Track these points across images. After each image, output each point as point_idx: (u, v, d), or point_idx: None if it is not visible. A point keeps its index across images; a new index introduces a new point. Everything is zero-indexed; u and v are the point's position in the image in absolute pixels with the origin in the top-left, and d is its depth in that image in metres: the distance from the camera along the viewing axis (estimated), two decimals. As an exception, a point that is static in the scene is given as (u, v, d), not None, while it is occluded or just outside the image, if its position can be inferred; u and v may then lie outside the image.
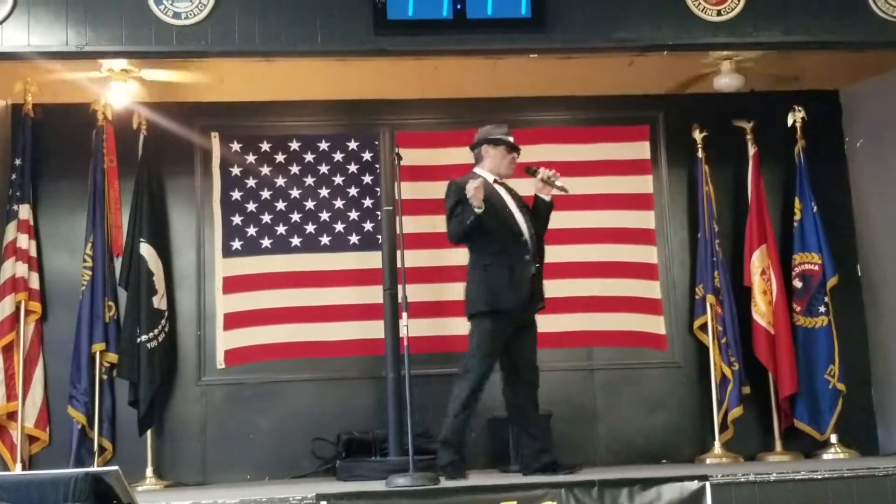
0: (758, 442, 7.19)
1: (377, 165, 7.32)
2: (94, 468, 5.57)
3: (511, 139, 5.99)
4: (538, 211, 5.92)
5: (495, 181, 5.93)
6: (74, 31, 5.96)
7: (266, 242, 7.30)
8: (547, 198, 5.90)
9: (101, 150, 6.93)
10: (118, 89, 6.83)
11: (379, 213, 7.18)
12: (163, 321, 6.86)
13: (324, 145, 7.48)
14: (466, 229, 5.67)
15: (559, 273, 7.27)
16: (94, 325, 6.72)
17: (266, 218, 7.33)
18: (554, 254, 6.91)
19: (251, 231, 7.30)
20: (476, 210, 5.59)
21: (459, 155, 7.44)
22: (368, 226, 7.37)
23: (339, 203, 7.41)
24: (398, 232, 5.97)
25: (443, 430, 5.74)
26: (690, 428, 7.26)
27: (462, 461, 5.70)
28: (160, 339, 6.80)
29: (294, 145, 7.46)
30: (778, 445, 7.05)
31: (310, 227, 7.35)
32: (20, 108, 6.97)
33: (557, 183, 5.86)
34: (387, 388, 6.67)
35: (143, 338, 6.70)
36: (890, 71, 7.25)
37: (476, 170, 6.01)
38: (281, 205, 7.35)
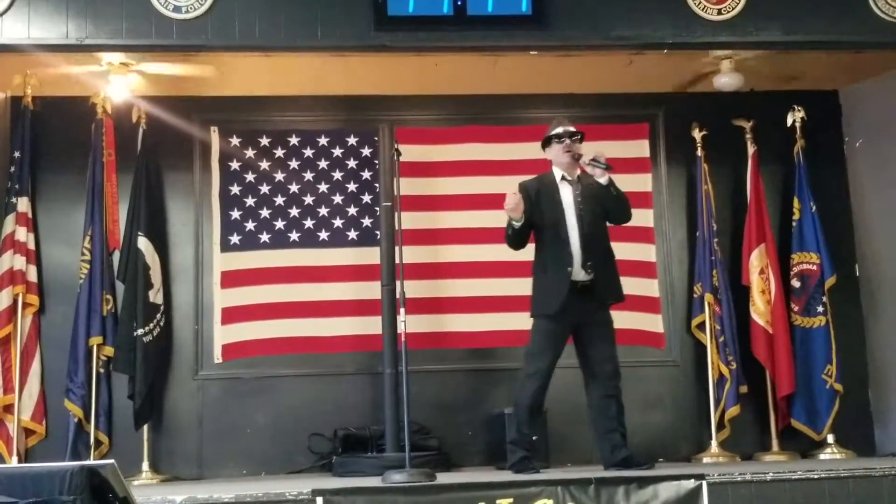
0: (755, 441, 7.19)
1: (376, 161, 7.32)
2: (91, 461, 5.56)
3: (557, 130, 5.95)
4: (600, 198, 5.87)
5: (563, 178, 5.95)
6: (74, 24, 5.95)
7: (264, 237, 7.29)
8: (602, 180, 5.80)
9: (100, 144, 6.92)
10: (118, 83, 6.83)
11: (378, 208, 7.19)
12: (158, 315, 6.86)
13: (323, 140, 7.47)
14: (507, 240, 5.93)
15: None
16: (92, 319, 6.72)
17: (265, 213, 7.32)
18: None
19: (250, 226, 7.30)
20: (514, 224, 5.78)
21: (459, 151, 7.48)
22: (367, 221, 7.36)
23: (337, 198, 7.40)
24: (397, 228, 5.97)
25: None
26: (687, 427, 7.26)
27: (530, 458, 5.71)
28: (155, 333, 6.80)
29: (293, 140, 7.45)
30: (775, 445, 7.05)
31: (308, 223, 7.34)
32: (19, 100, 6.97)
33: (598, 165, 5.76)
34: (384, 384, 6.67)
35: (140, 332, 6.69)
36: (889, 71, 7.26)
37: (553, 168, 6.04)
38: (280, 200, 7.35)
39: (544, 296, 5.85)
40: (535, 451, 5.87)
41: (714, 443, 6.94)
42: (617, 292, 5.94)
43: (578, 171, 5.96)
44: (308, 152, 7.45)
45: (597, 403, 5.83)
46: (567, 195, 5.91)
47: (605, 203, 5.86)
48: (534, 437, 5.86)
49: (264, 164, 7.38)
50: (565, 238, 5.81)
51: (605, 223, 5.96)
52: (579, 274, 5.77)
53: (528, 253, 7.10)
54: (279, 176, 7.38)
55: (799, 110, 7.24)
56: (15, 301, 6.71)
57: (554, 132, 5.96)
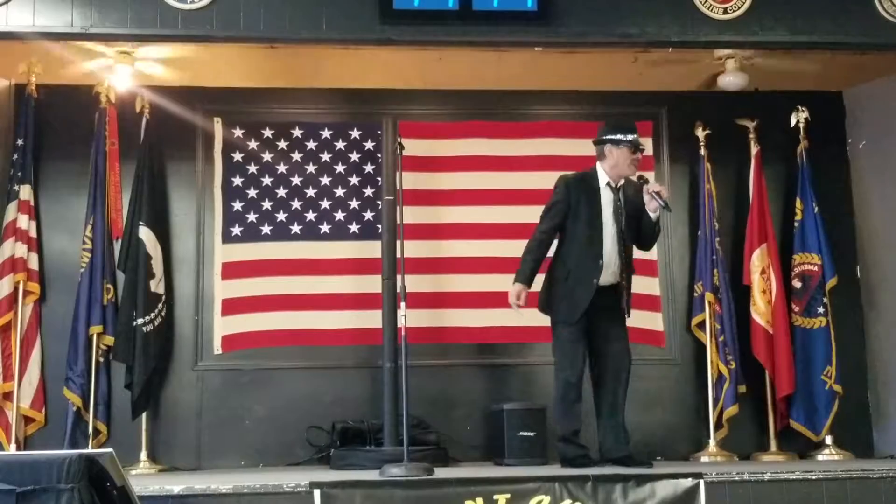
0: (753, 441, 7.19)
1: (379, 155, 7.32)
2: (89, 450, 5.57)
3: (629, 137, 5.89)
4: (644, 226, 5.90)
5: (608, 184, 5.93)
6: (79, 13, 5.94)
7: (266, 229, 7.29)
8: (653, 216, 5.81)
9: (104, 133, 6.93)
10: (122, 72, 6.83)
11: (380, 202, 7.18)
12: (160, 305, 6.86)
13: (326, 133, 7.47)
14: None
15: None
16: (93, 308, 6.72)
17: (266, 205, 7.32)
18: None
19: (251, 217, 7.30)
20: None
21: (462, 146, 7.48)
22: (369, 215, 7.36)
23: (339, 192, 7.40)
24: (398, 222, 5.97)
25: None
26: (686, 425, 7.26)
27: (579, 456, 5.75)
28: (156, 322, 6.80)
29: (296, 132, 7.45)
30: (773, 445, 7.05)
31: (310, 215, 7.34)
32: (24, 88, 6.96)
33: (660, 201, 5.75)
34: (383, 378, 6.66)
35: (140, 321, 6.69)
36: (894, 73, 7.24)
37: (597, 165, 6.00)
38: (282, 192, 7.34)
39: (567, 303, 5.87)
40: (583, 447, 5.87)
41: (712, 442, 6.93)
42: (627, 307, 5.96)
43: (623, 181, 5.94)
44: (311, 145, 7.44)
45: (596, 394, 5.92)
46: (608, 203, 5.91)
47: (642, 226, 5.89)
48: (575, 430, 5.84)
49: (267, 156, 7.38)
50: (598, 247, 5.83)
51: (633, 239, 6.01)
52: (608, 280, 5.84)
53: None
54: (281, 168, 7.38)
55: (803, 111, 7.23)
56: (16, 289, 6.70)
57: (625, 137, 5.88)
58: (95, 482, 3.80)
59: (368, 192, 7.40)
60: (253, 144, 7.39)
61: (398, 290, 5.78)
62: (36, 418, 6.75)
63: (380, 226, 7.10)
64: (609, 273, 5.84)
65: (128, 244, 6.85)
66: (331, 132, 7.48)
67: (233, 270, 7.22)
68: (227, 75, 7.14)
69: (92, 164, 6.88)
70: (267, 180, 7.36)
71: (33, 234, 6.87)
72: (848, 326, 7.32)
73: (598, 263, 5.81)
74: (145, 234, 6.83)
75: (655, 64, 6.98)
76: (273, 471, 6.58)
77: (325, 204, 7.37)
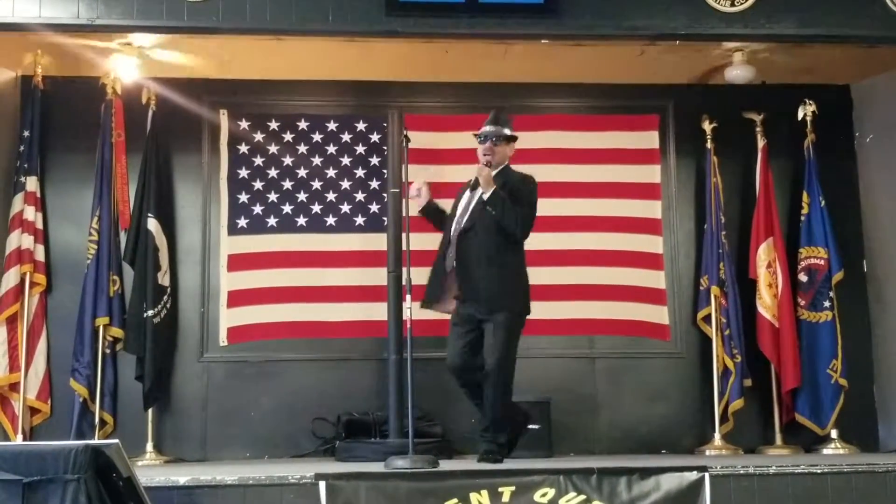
0: (758, 435, 7.20)
1: (385, 147, 7.32)
2: (95, 441, 5.58)
3: (482, 130, 6.11)
4: None
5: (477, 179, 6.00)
6: (86, 4, 5.94)
7: (272, 221, 7.30)
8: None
9: (110, 125, 6.93)
10: (128, 63, 6.83)
11: (385, 195, 7.19)
12: (166, 297, 6.88)
13: (332, 126, 7.47)
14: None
15: (564, 260, 7.29)
16: (99, 299, 6.73)
17: (272, 197, 7.33)
18: (559, 241, 6.90)
19: (257, 209, 7.30)
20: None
21: (468, 139, 7.42)
22: (374, 207, 7.36)
23: (345, 184, 7.40)
24: (404, 214, 5.97)
25: None
26: (691, 419, 7.26)
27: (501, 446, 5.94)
28: (163, 314, 6.82)
29: (302, 125, 7.45)
30: (778, 439, 7.06)
31: (316, 208, 7.34)
32: (30, 79, 6.97)
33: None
34: (388, 371, 6.68)
35: (149, 313, 6.71)
36: (902, 67, 7.24)
37: None
38: (287, 184, 7.35)
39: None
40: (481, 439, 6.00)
41: (717, 435, 6.94)
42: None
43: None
44: (317, 137, 7.45)
45: None
46: (465, 197, 6.18)
47: None
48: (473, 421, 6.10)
49: (273, 148, 7.39)
50: (448, 238, 6.13)
51: None
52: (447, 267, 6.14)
53: (533, 242, 7.11)
54: (287, 160, 7.38)
55: (810, 104, 7.22)
56: (22, 280, 6.72)
57: (478, 132, 6.17)
58: (101, 473, 3.81)
59: (374, 184, 7.40)
60: (259, 136, 7.39)
61: (404, 282, 5.78)
62: (42, 409, 6.77)
63: (385, 218, 7.11)
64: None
65: (135, 236, 6.86)
66: (337, 124, 7.48)
67: (238, 262, 7.23)
68: (233, 67, 7.14)
69: (98, 155, 6.89)
70: (273, 172, 7.36)
71: (39, 225, 6.88)
72: (854, 320, 7.31)
73: (449, 245, 6.11)
74: (153, 225, 6.84)
75: (662, 57, 6.96)
76: (278, 462, 6.60)
77: (331, 196, 7.37)
